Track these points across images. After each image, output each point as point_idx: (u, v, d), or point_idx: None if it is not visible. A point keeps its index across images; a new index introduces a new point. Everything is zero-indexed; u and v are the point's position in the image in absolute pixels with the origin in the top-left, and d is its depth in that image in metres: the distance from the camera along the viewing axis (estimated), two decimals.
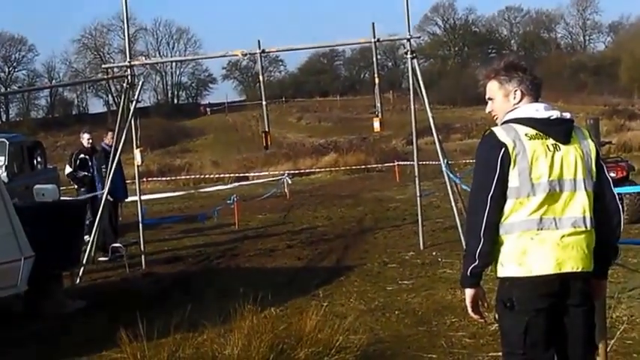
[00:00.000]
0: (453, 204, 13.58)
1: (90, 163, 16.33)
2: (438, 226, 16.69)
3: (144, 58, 35.98)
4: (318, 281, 11.85)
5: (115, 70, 17.91)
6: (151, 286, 12.63)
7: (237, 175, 35.94)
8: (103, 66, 34.06)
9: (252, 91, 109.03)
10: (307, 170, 35.90)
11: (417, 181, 14.60)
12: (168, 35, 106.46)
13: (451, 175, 13.88)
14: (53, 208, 11.44)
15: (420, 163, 32.80)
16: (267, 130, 14.28)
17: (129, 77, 14.13)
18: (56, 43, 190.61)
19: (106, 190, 14.06)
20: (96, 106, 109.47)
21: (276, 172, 33.47)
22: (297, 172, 34.00)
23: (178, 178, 36.97)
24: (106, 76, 30.56)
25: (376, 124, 14.35)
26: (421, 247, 14.20)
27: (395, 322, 9.40)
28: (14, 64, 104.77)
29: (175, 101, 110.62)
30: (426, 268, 12.45)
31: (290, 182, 26.87)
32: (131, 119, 14.12)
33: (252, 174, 36.21)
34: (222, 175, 35.86)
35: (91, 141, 16.73)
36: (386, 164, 35.38)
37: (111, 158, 14.35)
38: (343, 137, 62.13)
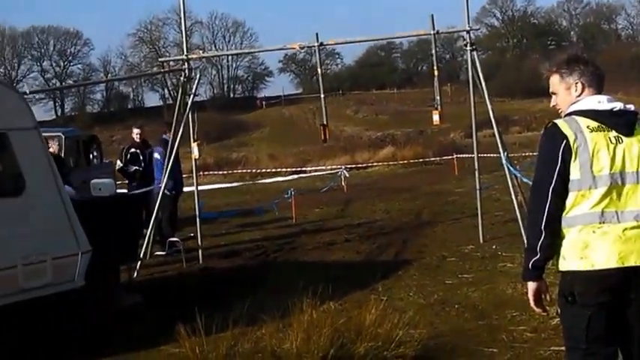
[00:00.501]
0: (513, 197, 13.34)
1: (141, 158, 16.33)
2: (498, 219, 16.45)
3: (200, 51, 35.99)
4: (376, 275, 11.72)
5: (172, 63, 17.90)
6: (209, 280, 12.62)
7: (294, 168, 35.91)
8: (160, 59, 34.16)
9: (308, 84, 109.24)
10: (364, 164, 35.73)
11: (476, 174, 14.40)
12: (224, 29, 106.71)
13: (511, 168, 13.65)
14: (110, 203, 11.48)
15: (480, 155, 32.60)
16: (325, 123, 14.18)
17: (186, 71, 14.11)
18: (112, 37, 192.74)
19: (163, 184, 14.05)
20: (152, 99, 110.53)
21: (334, 166, 33.39)
22: (354, 166, 33.84)
23: (235, 171, 37.07)
24: (162, 70, 30.60)
25: (435, 117, 14.17)
26: (481, 240, 14.01)
27: (455, 317, 9.28)
28: (69, 58, 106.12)
29: (231, 95, 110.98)
30: (485, 262, 12.28)
31: (347, 176, 26.73)
32: (188, 113, 14.09)
33: (309, 168, 36.18)
34: (279, 170, 35.84)
35: (139, 135, 16.73)
36: (444, 157, 35.08)
37: (168, 152, 14.35)
38: (400, 130, 61.91)
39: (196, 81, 14.47)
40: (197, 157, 14.42)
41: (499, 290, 10.36)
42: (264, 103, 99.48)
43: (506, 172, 13.67)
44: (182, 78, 14.29)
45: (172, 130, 14.44)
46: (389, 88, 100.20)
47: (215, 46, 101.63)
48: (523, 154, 31.44)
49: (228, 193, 26.07)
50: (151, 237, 13.77)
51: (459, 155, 31.92)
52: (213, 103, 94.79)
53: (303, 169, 35.88)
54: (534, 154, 22.92)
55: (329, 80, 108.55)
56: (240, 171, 37.28)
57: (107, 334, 9.77)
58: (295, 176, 29.77)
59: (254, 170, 36.94)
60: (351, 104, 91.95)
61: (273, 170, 35.92)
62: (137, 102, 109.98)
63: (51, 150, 16.28)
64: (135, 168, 16.32)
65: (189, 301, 10.33)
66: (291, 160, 40.73)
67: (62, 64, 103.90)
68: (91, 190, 11.72)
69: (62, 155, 17.15)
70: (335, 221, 18.44)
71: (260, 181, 29.53)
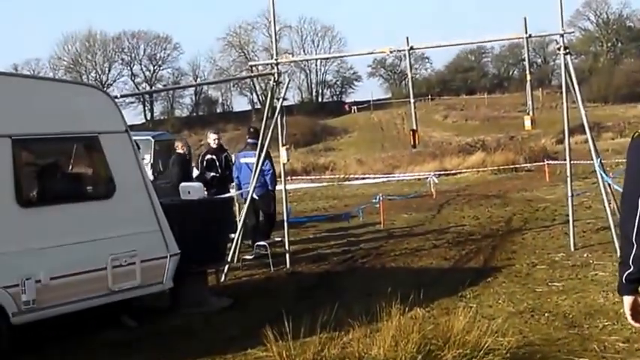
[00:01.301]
0: (605, 204, 13.04)
1: (217, 164, 16.29)
2: (590, 227, 16.12)
3: (290, 55, 36.17)
4: (465, 282, 11.57)
5: (260, 67, 18.00)
6: (296, 285, 12.63)
7: (382, 174, 35.78)
8: (249, 63, 34.46)
9: (397, 89, 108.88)
10: (454, 171, 35.38)
11: (568, 181, 14.06)
12: (313, 33, 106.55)
13: (603, 175, 13.34)
14: (199, 206, 11.58)
15: (572, 162, 32.03)
16: (415, 128, 14.05)
17: (275, 75, 14.15)
18: (201, 42, 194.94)
19: (251, 189, 14.10)
20: (240, 104, 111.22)
21: (422, 172, 33.18)
22: (443, 172, 33.56)
23: (323, 177, 37.10)
24: (251, 74, 30.80)
25: (527, 122, 13.93)
26: (571, 248, 13.73)
27: (545, 325, 9.10)
28: (159, 62, 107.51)
29: (319, 99, 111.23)
30: (576, 270, 12.02)
31: (436, 182, 26.52)
32: (277, 117, 14.12)
33: (397, 173, 36.00)
34: (367, 175, 35.76)
35: (217, 141, 16.80)
36: (535, 163, 34.54)
37: (256, 155, 14.38)
38: (490, 136, 61.08)
39: (285, 85, 14.50)
40: (285, 161, 14.44)
41: (590, 299, 10.14)
42: (353, 107, 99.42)
43: (599, 178, 13.37)
44: (271, 82, 14.32)
45: (262, 134, 14.45)
46: (479, 93, 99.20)
47: (304, 51, 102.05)
48: (616, 161, 30.71)
49: (316, 199, 26.09)
50: (239, 241, 13.81)
51: (550, 162, 31.39)
52: (302, 108, 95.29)
53: (392, 174, 35.69)
54: (619, 160, 22.24)
55: (418, 85, 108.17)
56: (328, 176, 37.28)
57: (195, 335, 9.84)
58: (384, 179, 29.62)
59: (342, 176, 36.90)
60: (441, 109, 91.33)
61: (362, 175, 35.85)
62: (226, 106, 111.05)
63: (179, 150, 16.55)
64: (212, 174, 16.19)
65: (277, 305, 10.36)
66: (380, 166, 40.61)
67: (152, 68, 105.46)
68: (181, 193, 11.86)
69: (188, 157, 17.25)
70: (423, 227, 18.28)
71: (348, 185, 29.41)
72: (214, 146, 16.62)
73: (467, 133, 70.12)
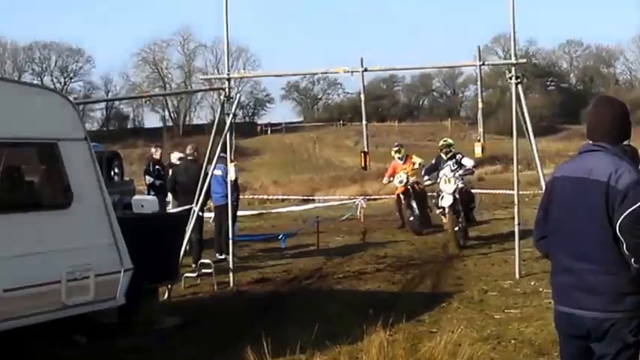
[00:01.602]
0: None
1: (162, 173, 18.43)
2: (528, 255, 16.17)
3: (243, 71, 35.92)
4: (418, 306, 11.50)
5: (212, 82, 17.79)
6: (245, 305, 12.39)
7: (303, 197, 35.65)
8: (201, 77, 34.10)
9: (309, 113, 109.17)
10: (375, 196, 35.42)
11: (516, 210, 14.11)
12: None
13: None
14: (153, 221, 11.25)
15: (492, 192, 32.32)
16: (366, 150, 13.99)
17: (226, 90, 13.93)
18: (114, 56, 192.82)
19: (198, 205, 13.85)
20: (152, 120, 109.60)
21: (344, 195, 33.16)
22: (372, 197, 33.59)
23: (245, 197, 36.77)
24: (203, 88, 30.45)
25: (477, 149, 14.05)
26: (517, 276, 13.78)
27: (513, 352, 9.10)
28: (71, 74, 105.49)
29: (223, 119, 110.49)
30: (529, 298, 12.08)
31: (364, 206, 26.54)
32: (226, 134, 13.89)
33: (317, 197, 35.94)
34: (288, 197, 35.60)
35: (159, 153, 19.13)
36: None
37: (203, 172, 14.15)
38: (428, 164, 61.62)
39: (236, 101, 14.28)
40: (233, 178, 14.23)
41: (552, 327, 10.03)
42: (268, 129, 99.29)
43: None
44: (222, 97, 14.09)
45: (208, 150, 14.22)
46: (390, 121, 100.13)
47: (218, 70, 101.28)
48: (532, 192, 31.18)
49: (242, 219, 25.77)
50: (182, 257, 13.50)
51: (475, 190, 31.64)
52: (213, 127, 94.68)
53: (312, 197, 35.60)
54: (540, 192, 22.43)
55: (330, 110, 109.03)
56: (249, 196, 36.94)
57: (149, 355, 9.52)
58: (311, 205, 29.52)
59: (262, 196, 36.67)
60: (352, 135, 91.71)
61: (282, 197, 35.69)
62: (137, 122, 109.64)
63: (156, 156, 17.97)
64: (160, 182, 17.92)
65: (228, 326, 10.23)
66: (300, 188, 40.54)
67: (63, 80, 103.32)
68: (133, 207, 11.50)
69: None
70: (359, 250, 18.16)
71: (275, 209, 29.19)
72: (158, 157, 18.37)
73: (377, 159, 70.54)
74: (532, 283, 13.24)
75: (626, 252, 4.84)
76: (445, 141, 19.74)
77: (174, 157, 18.77)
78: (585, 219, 4.96)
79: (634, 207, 4.78)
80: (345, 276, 14.69)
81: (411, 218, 20.78)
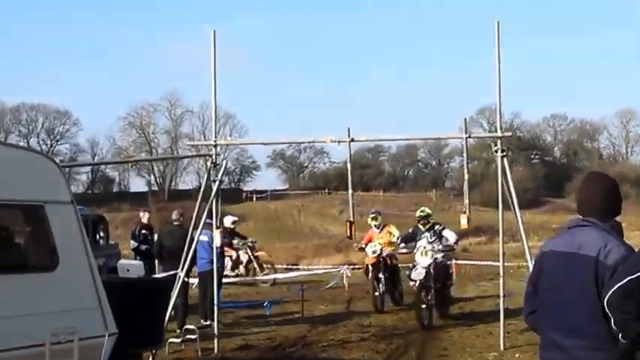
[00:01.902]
0: None
1: (150, 238, 18.39)
2: (512, 327, 16.16)
3: (230, 138, 36.11)
4: None
5: (197, 148, 17.98)
6: None
7: (287, 265, 35.51)
8: (188, 143, 34.35)
9: (295, 181, 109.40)
10: (359, 265, 35.38)
11: (501, 282, 14.17)
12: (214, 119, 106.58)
13: None
14: (138, 285, 11.21)
15: (477, 263, 32.27)
16: (352, 220, 14.08)
17: (213, 156, 14.02)
18: (101, 120, 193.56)
19: (184, 270, 13.84)
20: (137, 185, 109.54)
21: (328, 264, 33.09)
22: (357, 266, 33.50)
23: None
24: (190, 154, 30.56)
25: (463, 221, 14.15)
26: (502, 348, 13.76)
27: None
28: (57, 137, 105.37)
29: (210, 185, 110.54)
30: None
31: (349, 275, 26.51)
32: (212, 200, 13.95)
33: (302, 265, 35.85)
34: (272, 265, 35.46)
35: (148, 218, 18.98)
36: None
37: (189, 238, 14.19)
38: (404, 233, 61.59)
39: (222, 167, 14.37)
40: (218, 244, 14.26)
41: None
42: (253, 196, 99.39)
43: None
44: (209, 163, 14.16)
45: (194, 216, 14.27)
46: (374, 191, 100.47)
47: (204, 136, 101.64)
48: (517, 264, 31.20)
49: (226, 285, 25.66)
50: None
51: (458, 262, 31.64)
52: (199, 192, 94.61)
53: (297, 266, 35.50)
54: (526, 264, 22.39)
55: (316, 178, 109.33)
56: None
57: None
58: (295, 273, 29.48)
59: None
60: (337, 203, 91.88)
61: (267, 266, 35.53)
62: (122, 186, 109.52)
63: (144, 221, 18.52)
64: (146, 247, 17.95)
65: None
66: (285, 255, 40.36)
67: (49, 142, 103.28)
68: (119, 271, 11.48)
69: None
70: (343, 319, 18.11)
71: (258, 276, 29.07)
72: (146, 222, 18.28)
73: (362, 228, 70.54)
74: (517, 355, 13.25)
75: (614, 327, 4.84)
76: (422, 211, 18.53)
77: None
78: (575, 294, 4.98)
79: (622, 282, 4.80)
80: (329, 344, 14.65)
81: (377, 293, 19.20)
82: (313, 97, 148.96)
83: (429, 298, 16.70)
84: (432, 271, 16.89)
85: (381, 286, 19.20)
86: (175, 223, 16.99)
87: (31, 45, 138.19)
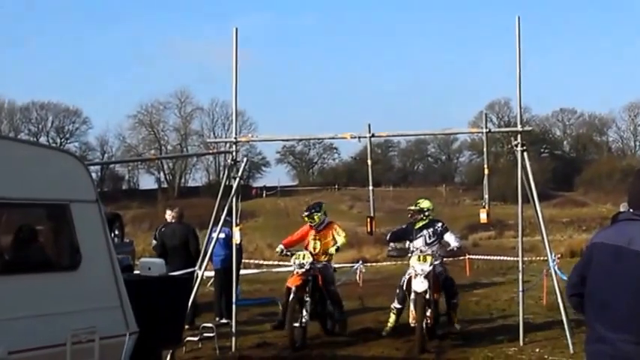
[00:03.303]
0: (559, 300, 13.09)
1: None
2: (529, 322, 16.14)
3: (250, 135, 36.07)
4: None
5: (216, 146, 17.91)
6: None
7: None
8: (207, 140, 34.41)
9: (304, 176, 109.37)
10: (373, 260, 35.45)
11: (520, 276, 14.10)
12: (224, 116, 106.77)
13: (558, 272, 13.50)
14: (159, 283, 11.17)
15: (491, 258, 32.21)
16: (372, 215, 14.06)
17: (233, 153, 14.00)
18: (111, 118, 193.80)
19: (203, 267, 13.83)
20: (147, 182, 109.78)
21: (341, 260, 33.01)
22: (371, 261, 33.56)
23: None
24: (209, 151, 30.55)
25: (483, 215, 14.08)
26: (521, 342, 13.71)
27: None
28: (67, 135, 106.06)
29: (228, 182, 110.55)
30: None
31: (363, 270, 26.50)
32: (232, 197, 13.94)
33: None
34: (283, 262, 35.45)
35: (172, 217, 17.55)
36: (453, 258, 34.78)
37: (207, 234, 14.20)
38: (396, 228, 61.61)
39: (243, 165, 14.37)
40: (237, 241, 14.24)
41: None
42: (264, 192, 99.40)
43: (553, 275, 13.51)
44: (229, 160, 14.17)
45: (214, 213, 14.25)
46: (384, 186, 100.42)
47: (214, 133, 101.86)
48: (528, 259, 31.19)
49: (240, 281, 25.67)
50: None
51: (471, 256, 31.65)
52: (208, 189, 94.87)
53: None
54: (537, 258, 22.49)
55: (325, 174, 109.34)
56: (245, 260, 36.80)
57: None
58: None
59: (259, 261, 36.54)
60: (347, 199, 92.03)
61: (278, 263, 35.54)
62: (132, 183, 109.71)
63: (168, 219, 17.40)
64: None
65: None
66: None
67: (59, 140, 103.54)
68: (140, 269, 11.45)
69: None
70: (359, 315, 18.08)
71: (273, 269, 29.08)
72: (171, 221, 17.53)
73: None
74: (537, 350, 13.21)
75: None
76: (417, 204, 15.11)
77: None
78: (622, 288, 4.93)
79: None
80: (347, 341, 14.59)
81: (296, 324, 13.93)
82: (322, 93, 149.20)
83: (429, 314, 13.69)
84: (431, 281, 13.79)
85: (304, 313, 14.10)
86: (173, 221, 17.27)
87: (41, 44, 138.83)
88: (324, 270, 14.62)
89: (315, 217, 15.02)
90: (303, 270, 14.16)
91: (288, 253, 14.89)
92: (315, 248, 14.78)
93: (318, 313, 14.53)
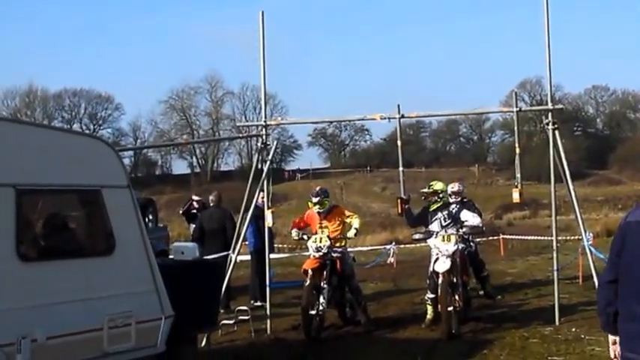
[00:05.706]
0: (595, 279, 12.99)
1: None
2: (564, 302, 16.03)
3: (279, 118, 36.13)
4: (461, 353, 11.41)
5: (244, 129, 17.95)
6: (283, 352, 12.32)
7: None
8: (237, 124, 34.53)
9: (336, 159, 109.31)
10: (407, 242, 35.31)
11: (555, 255, 14.04)
12: (255, 100, 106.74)
13: (594, 251, 13.41)
14: (193, 267, 11.22)
15: (525, 238, 31.99)
16: (402, 196, 14.02)
17: (263, 137, 14.01)
18: (143, 103, 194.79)
19: (237, 250, 13.88)
20: (180, 167, 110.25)
21: (374, 242, 33.07)
22: (404, 243, 33.45)
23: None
24: (240, 135, 30.63)
25: (515, 195, 14.05)
26: (556, 322, 13.64)
27: None
28: (100, 122, 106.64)
29: (259, 166, 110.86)
30: (572, 345, 11.96)
31: (396, 252, 26.47)
32: (264, 180, 13.95)
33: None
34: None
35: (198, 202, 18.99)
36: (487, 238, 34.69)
37: (240, 217, 14.24)
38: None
39: (273, 148, 14.37)
40: (270, 224, 14.27)
41: None
42: (296, 175, 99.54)
43: (588, 254, 13.43)
44: (260, 144, 14.17)
45: (246, 196, 14.29)
46: (416, 167, 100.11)
47: (245, 117, 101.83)
48: (564, 238, 30.99)
49: (273, 264, 25.75)
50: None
51: (505, 236, 31.49)
52: (241, 173, 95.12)
53: None
54: (572, 237, 22.21)
55: (358, 156, 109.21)
56: (278, 244, 36.87)
57: None
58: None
59: (292, 246, 36.54)
60: (379, 181, 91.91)
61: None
62: (165, 169, 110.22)
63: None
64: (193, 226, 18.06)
65: None
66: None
67: (92, 127, 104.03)
68: (173, 253, 11.50)
69: None
70: (395, 296, 18.08)
71: (305, 253, 29.10)
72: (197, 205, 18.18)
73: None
74: (573, 329, 13.11)
75: None
76: (430, 187, 15.00)
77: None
78: None
79: None
80: (382, 323, 14.55)
81: (313, 312, 13.33)
82: (353, 74, 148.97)
83: (457, 298, 13.22)
84: (457, 260, 13.40)
85: (321, 300, 13.48)
86: (212, 204, 17.48)
87: (72, 31, 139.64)
88: (342, 255, 13.98)
89: (326, 202, 14.23)
90: (321, 253, 13.61)
91: (305, 237, 14.27)
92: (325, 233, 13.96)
93: (336, 301, 14.07)
